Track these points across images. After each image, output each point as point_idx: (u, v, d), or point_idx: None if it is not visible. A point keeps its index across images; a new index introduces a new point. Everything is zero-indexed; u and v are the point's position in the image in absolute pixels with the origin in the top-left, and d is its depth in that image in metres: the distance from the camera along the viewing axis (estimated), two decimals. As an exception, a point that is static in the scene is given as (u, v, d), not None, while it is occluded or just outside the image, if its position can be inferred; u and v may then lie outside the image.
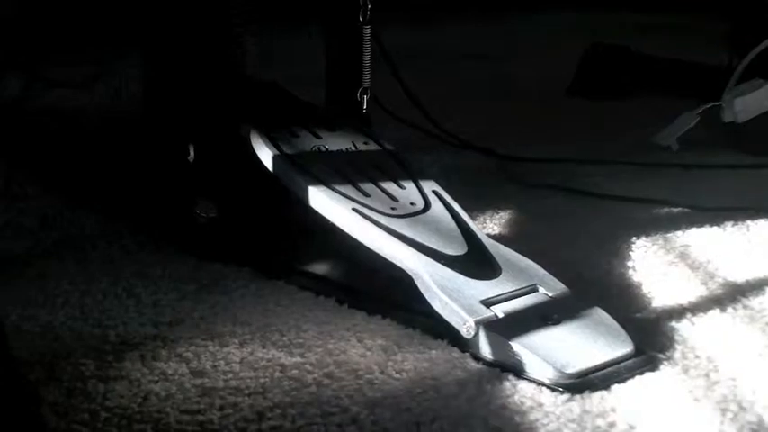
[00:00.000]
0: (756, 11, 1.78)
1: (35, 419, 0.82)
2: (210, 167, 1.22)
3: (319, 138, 1.21)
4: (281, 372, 0.91)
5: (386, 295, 1.05)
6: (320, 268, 1.14)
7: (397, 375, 0.90)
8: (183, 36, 1.24)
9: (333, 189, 1.10)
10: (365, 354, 0.94)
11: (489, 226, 1.29)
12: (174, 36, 1.26)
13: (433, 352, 0.95)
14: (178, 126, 1.25)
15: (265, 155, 1.16)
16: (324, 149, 1.19)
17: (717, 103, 1.63)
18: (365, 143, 1.23)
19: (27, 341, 0.97)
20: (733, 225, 1.26)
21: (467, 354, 0.94)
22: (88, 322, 1.02)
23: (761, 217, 1.28)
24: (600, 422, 0.83)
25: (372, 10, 1.29)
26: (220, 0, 1.23)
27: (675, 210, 1.34)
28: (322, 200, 1.10)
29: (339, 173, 1.14)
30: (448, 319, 0.96)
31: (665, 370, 0.91)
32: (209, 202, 1.21)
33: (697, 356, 0.93)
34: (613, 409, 0.84)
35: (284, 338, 0.98)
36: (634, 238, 1.22)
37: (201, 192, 1.22)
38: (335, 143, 1.21)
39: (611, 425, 0.82)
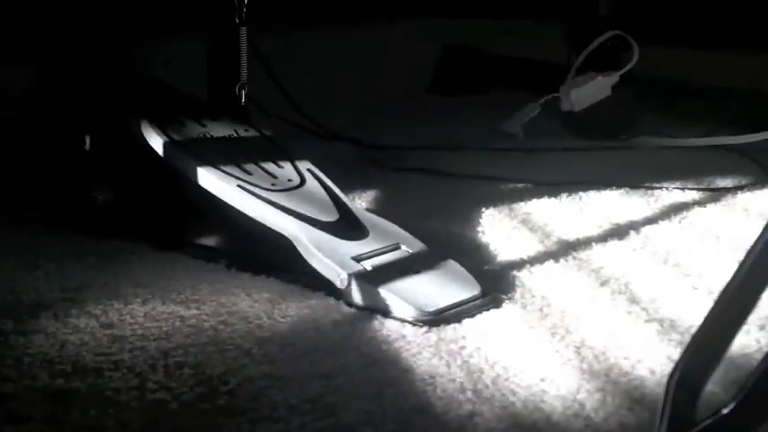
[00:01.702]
0: (589, 13, 1.99)
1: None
2: (106, 155, 1.34)
3: (204, 126, 1.35)
4: (180, 322, 1.05)
5: (269, 259, 1.20)
6: (209, 240, 1.28)
7: (282, 320, 1.05)
8: (78, 39, 1.36)
9: (219, 169, 1.25)
10: (253, 305, 1.09)
11: (357, 202, 1.44)
12: (69, 39, 1.37)
13: (313, 301, 1.10)
14: (74, 118, 1.36)
15: (156, 142, 1.29)
16: (209, 136, 1.33)
17: (556, 95, 1.83)
18: (246, 130, 1.38)
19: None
20: (568, 196, 1.46)
21: (341, 302, 1.10)
22: (0, 290, 1.13)
23: (591, 189, 1.48)
24: (453, 347, 0.99)
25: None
26: (116, 5, 1.36)
27: (519, 185, 1.53)
28: (210, 179, 1.23)
29: (224, 155, 1.28)
30: (324, 274, 1.11)
31: (507, 307, 1.09)
32: (105, 187, 1.34)
33: (533, 296, 1.11)
34: (464, 337, 1.01)
35: (181, 296, 1.11)
36: (483, 208, 1.40)
37: (98, 177, 1.34)
38: (219, 130, 1.35)
39: (462, 348, 0.99)
